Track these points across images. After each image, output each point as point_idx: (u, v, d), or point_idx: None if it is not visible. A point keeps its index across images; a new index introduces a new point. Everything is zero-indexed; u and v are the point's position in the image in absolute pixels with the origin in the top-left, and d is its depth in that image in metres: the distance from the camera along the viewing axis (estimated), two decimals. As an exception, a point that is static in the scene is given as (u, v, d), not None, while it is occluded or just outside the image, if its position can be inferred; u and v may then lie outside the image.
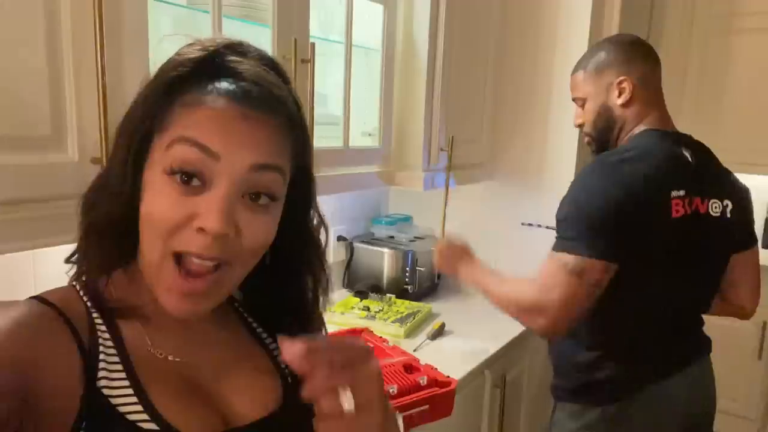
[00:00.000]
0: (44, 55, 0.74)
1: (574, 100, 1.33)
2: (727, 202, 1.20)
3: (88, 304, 0.54)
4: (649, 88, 1.23)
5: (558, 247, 1.12)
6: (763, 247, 2.85)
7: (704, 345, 1.29)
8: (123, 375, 0.51)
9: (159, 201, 0.50)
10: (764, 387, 2.64)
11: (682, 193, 1.11)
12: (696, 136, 3.08)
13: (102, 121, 0.77)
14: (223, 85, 0.51)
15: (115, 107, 0.80)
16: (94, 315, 0.53)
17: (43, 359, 0.47)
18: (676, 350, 1.20)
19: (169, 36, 0.63)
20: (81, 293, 0.55)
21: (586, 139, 1.33)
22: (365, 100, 1.59)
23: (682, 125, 3.11)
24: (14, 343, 0.46)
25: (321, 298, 0.66)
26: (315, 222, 0.64)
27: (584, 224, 1.09)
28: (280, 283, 0.64)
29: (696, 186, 1.15)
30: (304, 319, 0.66)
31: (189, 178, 0.49)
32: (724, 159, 3.06)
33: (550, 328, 1.11)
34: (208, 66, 0.53)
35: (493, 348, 1.54)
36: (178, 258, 0.50)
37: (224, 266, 0.52)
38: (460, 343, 1.58)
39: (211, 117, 0.50)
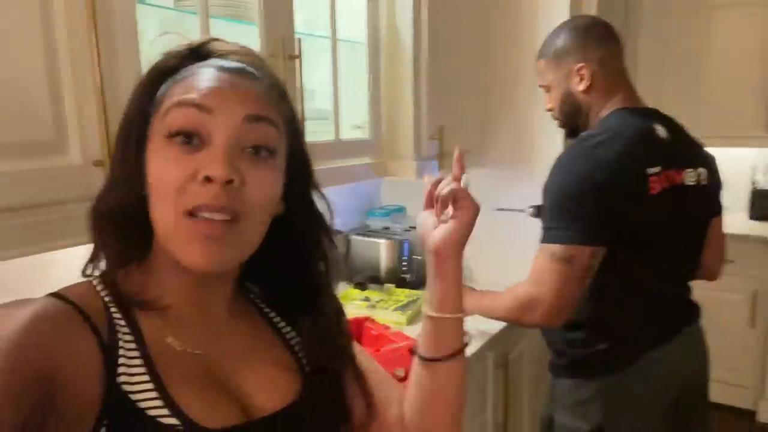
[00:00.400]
0: (42, 62, 0.75)
1: (540, 86, 1.37)
2: (701, 170, 1.24)
3: (106, 299, 0.54)
4: (609, 70, 1.25)
5: (544, 238, 1.15)
6: (750, 218, 2.94)
7: (693, 312, 1.31)
8: (143, 369, 0.52)
9: (164, 164, 0.52)
10: (758, 355, 2.70)
11: (657, 169, 1.14)
12: (678, 112, 3.12)
13: (103, 123, 0.79)
14: (211, 61, 0.56)
15: (115, 108, 0.82)
16: (113, 310, 0.54)
17: (63, 357, 0.47)
18: (666, 319, 1.22)
19: (160, 36, 0.64)
20: (98, 288, 0.55)
21: (557, 123, 1.37)
22: (353, 93, 1.60)
23: (665, 102, 3.14)
24: (34, 342, 0.46)
25: (334, 276, 0.67)
26: (318, 201, 0.65)
27: (566, 212, 1.12)
28: (292, 265, 0.65)
29: (670, 159, 1.18)
30: (320, 298, 0.67)
31: (189, 139, 0.52)
32: (707, 133, 3.11)
33: (546, 319, 1.15)
34: (196, 54, 0.58)
35: (494, 329, 1.57)
36: (191, 215, 0.51)
37: (235, 221, 0.52)
38: (460, 327, 1.60)
39: (203, 80, 0.53)
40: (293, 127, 0.60)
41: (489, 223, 1.87)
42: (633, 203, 1.12)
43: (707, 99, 2.87)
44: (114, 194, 0.55)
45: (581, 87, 1.25)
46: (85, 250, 0.59)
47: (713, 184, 1.27)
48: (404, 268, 1.89)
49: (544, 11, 1.83)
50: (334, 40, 1.44)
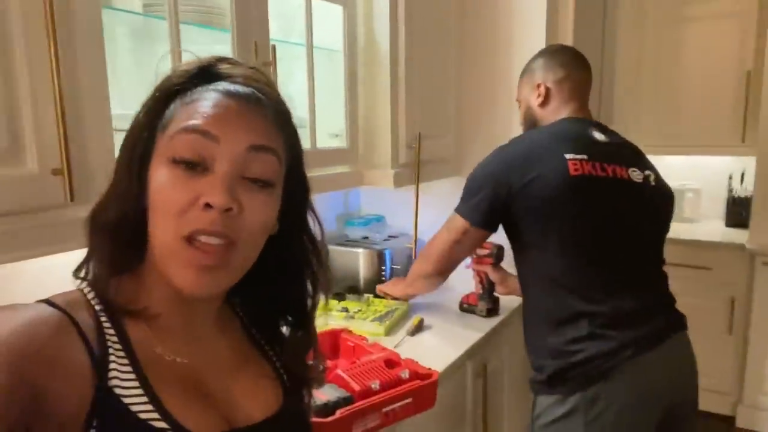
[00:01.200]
0: (-4, 67, 0.73)
1: (517, 100, 1.53)
2: (648, 172, 1.30)
3: (97, 307, 0.55)
4: (564, 89, 1.38)
5: (458, 206, 1.36)
6: (726, 226, 2.98)
7: (677, 322, 1.30)
8: (133, 375, 0.53)
9: (166, 187, 0.53)
10: (735, 361, 2.72)
11: (581, 156, 1.20)
12: (655, 122, 3.18)
13: (61, 132, 0.76)
14: (219, 85, 0.57)
15: (73, 117, 0.79)
16: (102, 318, 0.55)
17: (52, 364, 0.48)
18: (647, 328, 1.20)
19: (166, 54, 0.63)
20: (89, 296, 0.56)
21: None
22: (330, 101, 1.59)
23: (643, 113, 3.18)
24: (23, 349, 0.47)
25: (321, 297, 0.70)
26: (312, 223, 0.67)
27: (471, 196, 1.31)
28: (280, 284, 0.67)
29: (606, 155, 1.24)
30: (303, 319, 0.70)
31: (192, 165, 0.53)
32: (684, 142, 3.16)
33: (430, 274, 1.47)
34: (203, 74, 0.59)
35: (472, 339, 1.55)
36: (189, 240, 0.53)
37: (230, 246, 0.54)
38: (439, 337, 1.59)
39: (210, 106, 0.55)
40: (294, 150, 0.62)
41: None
42: (546, 182, 1.17)
43: (684, 109, 2.91)
44: (115, 207, 0.56)
45: (537, 102, 1.41)
46: (45, 262, 0.62)
47: (665, 187, 1.33)
48: (383, 278, 1.87)
49: (520, 21, 1.84)
50: (310, 48, 1.43)
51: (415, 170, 1.65)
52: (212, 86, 0.57)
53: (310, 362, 0.73)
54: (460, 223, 1.33)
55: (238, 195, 0.54)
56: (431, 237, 1.45)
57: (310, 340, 0.72)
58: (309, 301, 0.70)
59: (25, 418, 0.45)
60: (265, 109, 0.58)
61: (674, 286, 2.79)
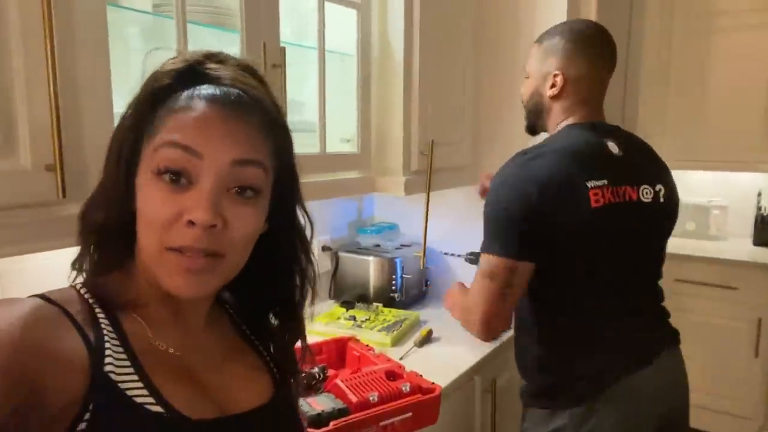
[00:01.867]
0: (-8, 60, 0.72)
1: (524, 68, 1.34)
2: (659, 186, 1.21)
3: (90, 300, 0.56)
4: (582, 86, 1.22)
5: (480, 248, 1.14)
6: (754, 245, 2.87)
7: (670, 337, 1.24)
8: (127, 362, 0.54)
9: (150, 200, 0.54)
10: (762, 385, 2.61)
11: (602, 182, 1.10)
12: (682, 137, 3.08)
13: (55, 128, 0.75)
14: (204, 89, 0.56)
15: (68, 114, 0.78)
16: (97, 310, 0.55)
17: (49, 356, 0.48)
18: (639, 345, 1.15)
19: (159, 50, 0.62)
20: (82, 292, 0.57)
21: (524, 114, 1.37)
22: (343, 106, 1.57)
23: (669, 127, 3.10)
24: (20, 342, 0.47)
25: (309, 292, 0.70)
26: (301, 220, 0.68)
27: (495, 224, 1.11)
28: (269, 280, 0.68)
29: (622, 174, 1.14)
30: (291, 314, 0.71)
31: (177, 177, 0.53)
32: (711, 158, 3.08)
33: (482, 332, 1.14)
34: (189, 74, 0.58)
35: (481, 353, 1.51)
36: (174, 250, 0.54)
37: (217, 257, 0.55)
38: (448, 350, 1.55)
39: (193, 119, 0.54)
40: (284, 150, 0.62)
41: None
42: (569, 215, 1.08)
43: (711, 123, 2.82)
44: (103, 209, 0.57)
45: (550, 93, 1.24)
46: (44, 261, 0.63)
47: (673, 201, 1.25)
48: (393, 287, 1.83)
49: (540, 26, 1.80)
50: (322, 51, 1.41)
51: (426, 178, 1.61)
52: (198, 90, 0.56)
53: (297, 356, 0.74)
54: (503, 263, 1.10)
55: (222, 210, 0.54)
56: (463, 302, 1.20)
57: (298, 334, 0.73)
58: (297, 295, 0.70)
59: (21, 409, 0.45)
60: (251, 115, 0.57)
61: (699, 305, 2.72)
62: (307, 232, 0.69)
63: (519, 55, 1.82)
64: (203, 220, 0.52)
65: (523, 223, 1.08)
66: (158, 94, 0.57)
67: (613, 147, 1.17)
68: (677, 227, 3.19)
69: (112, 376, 0.52)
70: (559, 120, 1.25)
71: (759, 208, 2.90)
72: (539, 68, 1.27)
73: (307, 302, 0.71)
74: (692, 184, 3.17)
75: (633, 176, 1.16)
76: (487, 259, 1.11)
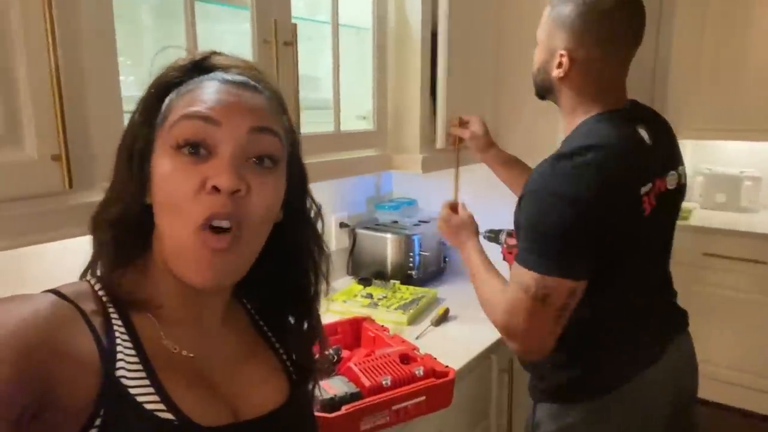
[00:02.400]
0: (-6, 50, 0.71)
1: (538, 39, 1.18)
2: (681, 168, 1.14)
3: (104, 298, 0.56)
4: (593, 71, 1.06)
5: (521, 259, 1.00)
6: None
7: (680, 322, 1.19)
8: (139, 366, 0.53)
9: (172, 174, 0.53)
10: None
11: (648, 187, 1.01)
12: (713, 107, 2.93)
13: (59, 118, 0.74)
14: (215, 75, 0.57)
15: (74, 102, 0.77)
16: (110, 310, 0.55)
17: (62, 354, 0.48)
18: (653, 338, 1.11)
19: (169, 48, 0.61)
20: (96, 288, 0.56)
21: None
22: (359, 82, 1.53)
23: (699, 97, 2.97)
24: (34, 338, 0.47)
25: (323, 285, 0.70)
26: (311, 209, 0.68)
27: (546, 239, 0.97)
28: (284, 275, 0.68)
29: (656, 168, 1.05)
30: (307, 309, 0.71)
31: (196, 149, 0.53)
32: (742, 127, 2.95)
33: (524, 353, 1.06)
34: (198, 67, 0.59)
35: (498, 334, 1.49)
36: (202, 229, 0.53)
37: (239, 230, 0.54)
38: (465, 329, 1.54)
39: (208, 93, 0.55)
40: (292, 137, 0.63)
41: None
42: (627, 228, 1.00)
43: (744, 91, 2.70)
44: (117, 206, 0.57)
45: (556, 73, 1.09)
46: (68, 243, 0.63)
47: (685, 182, 1.18)
48: (411, 264, 1.82)
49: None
50: (336, 26, 1.37)
51: (455, 156, 1.57)
52: (207, 77, 0.57)
53: (316, 355, 0.74)
54: (556, 283, 0.97)
55: (244, 176, 0.54)
56: (505, 304, 1.04)
57: (314, 331, 0.72)
58: (312, 290, 0.70)
59: (33, 407, 0.45)
60: (261, 93, 0.58)
61: (728, 280, 2.66)
62: (318, 224, 0.69)
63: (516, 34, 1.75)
64: (228, 185, 0.52)
65: (580, 239, 0.96)
66: (168, 88, 0.58)
67: (644, 135, 1.06)
68: (707, 199, 3.10)
69: (124, 380, 0.52)
70: (577, 107, 1.10)
71: (793, 180, 2.79)
72: (547, 40, 1.11)
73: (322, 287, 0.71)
74: (724, 155, 3.06)
75: (663, 166, 1.08)
76: (534, 278, 0.96)
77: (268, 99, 0.59)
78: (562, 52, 1.06)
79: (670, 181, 1.09)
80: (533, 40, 1.17)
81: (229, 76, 0.57)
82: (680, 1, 2.78)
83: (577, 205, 0.94)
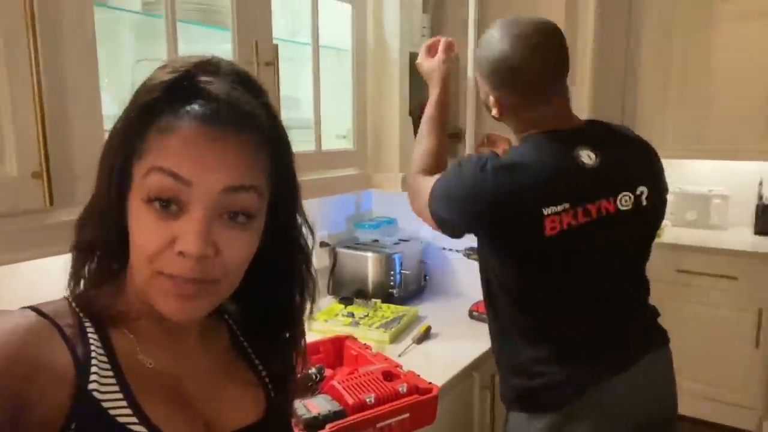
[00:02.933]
0: (-25, 67, 0.71)
1: None
2: (641, 189, 1.11)
3: (81, 315, 0.55)
4: (525, 108, 1.13)
5: (434, 189, 1.15)
6: (755, 234, 2.86)
7: (657, 339, 1.20)
8: (113, 381, 0.53)
9: (141, 228, 0.52)
10: (763, 375, 2.61)
11: (561, 207, 1.03)
12: (682, 127, 2.98)
13: (41, 135, 0.73)
14: (194, 108, 0.53)
15: (55, 119, 0.77)
16: (87, 325, 0.55)
17: (34, 369, 0.48)
18: (616, 352, 1.12)
19: (145, 61, 0.60)
20: (73, 305, 0.56)
21: None
22: (339, 102, 1.55)
23: (669, 116, 3.05)
24: (8, 355, 0.47)
25: (309, 304, 0.69)
26: (301, 227, 0.66)
27: (445, 203, 1.12)
28: (267, 290, 0.66)
29: (594, 189, 1.07)
30: (291, 325, 0.70)
31: (167, 204, 0.51)
32: (711, 147, 3.04)
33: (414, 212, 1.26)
34: (179, 89, 0.54)
35: (480, 349, 1.50)
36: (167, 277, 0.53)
37: (212, 283, 0.54)
38: (447, 346, 1.54)
39: (182, 144, 0.52)
40: (283, 163, 0.60)
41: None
42: (522, 241, 1.06)
43: (713, 112, 2.80)
44: (95, 227, 0.56)
45: (494, 113, 1.17)
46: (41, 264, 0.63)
47: (659, 201, 1.17)
48: (392, 283, 1.83)
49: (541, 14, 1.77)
50: (316, 47, 1.39)
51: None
52: (187, 108, 0.53)
53: (298, 368, 0.73)
54: (429, 216, 1.18)
55: (214, 237, 0.52)
56: (417, 180, 1.27)
57: (296, 344, 0.71)
58: (296, 305, 0.69)
59: (7, 423, 0.45)
60: (244, 134, 0.54)
61: (700, 295, 2.71)
62: (309, 241, 0.67)
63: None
64: (194, 251, 0.50)
65: (462, 230, 1.14)
66: (148, 109, 0.54)
67: (587, 157, 1.08)
68: (678, 217, 3.18)
69: (96, 394, 0.51)
70: (521, 128, 1.16)
71: (760, 197, 2.89)
72: (479, 82, 1.19)
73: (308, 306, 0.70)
74: (693, 173, 3.15)
75: (609, 187, 1.08)
76: (428, 209, 1.16)
77: (252, 137, 0.55)
78: (491, 97, 1.15)
79: (623, 202, 1.09)
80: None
81: (210, 111, 0.53)
82: (646, 31, 2.88)
83: (475, 203, 1.07)
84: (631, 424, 1.11)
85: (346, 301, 1.79)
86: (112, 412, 0.51)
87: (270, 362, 0.70)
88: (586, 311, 1.11)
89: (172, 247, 0.51)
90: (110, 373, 0.53)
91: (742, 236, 2.86)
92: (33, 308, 0.53)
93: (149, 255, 0.52)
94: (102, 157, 0.57)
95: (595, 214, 1.06)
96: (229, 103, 0.54)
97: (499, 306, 1.18)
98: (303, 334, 0.72)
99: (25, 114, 0.73)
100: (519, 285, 1.12)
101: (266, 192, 0.57)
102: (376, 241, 1.94)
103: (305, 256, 0.67)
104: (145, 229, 0.52)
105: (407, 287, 1.87)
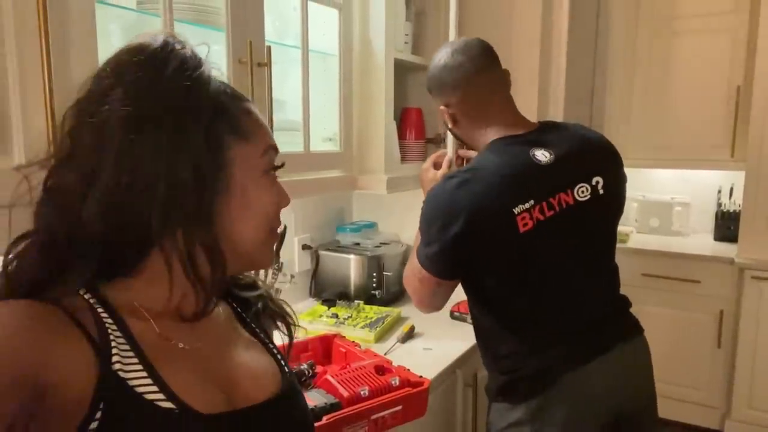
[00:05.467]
0: (-15, 56, 0.71)
1: None
2: (596, 179, 1.18)
3: (92, 301, 0.55)
4: (471, 106, 1.23)
5: (417, 249, 1.19)
6: (715, 240, 3.00)
7: (629, 328, 1.26)
8: (135, 360, 0.54)
9: (266, 195, 0.63)
10: (725, 375, 2.72)
11: (529, 204, 1.10)
12: (645, 137, 3.10)
13: (49, 125, 0.74)
14: (238, 97, 0.64)
15: (63, 111, 0.77)
16: (99, 309, 0.55)
17: (50, 354, 0.48)
18: (591, 337, 1.17)
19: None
20: (82, 292, 0.56)
21: None
22: (325, 105, 1.58)
23: (633, 125, 3.16)
24: (17, 343, 0.47)
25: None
26: None
27: (427, 242, 1.15)
28: None
29: (552, 184, 1.14)
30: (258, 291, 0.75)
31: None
32: (673, 156, 3.17)
33: (417, 306, 1.29)
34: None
35: (463, 348, 1.54)
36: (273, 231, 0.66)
37: None
38: (430, 345, 1.57)
39: (259, 123, 0.63)
40: None
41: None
42: (498, 243, 1.10)
43: (674, 122, 2.93)
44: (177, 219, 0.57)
45: (449, 125, 1.28)
46: None
47: (615, 189, 1.22)
48: (374, 285, 1.85)
49: (516, 33, 1.85)
50: (305, 51, 1.42)
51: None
52: (249, 105, 0.64)
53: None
54: (427, 276, 1.17)
55: None
56: (405, 270, 1.29)
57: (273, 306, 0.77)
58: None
59: (26, 412, 0.45)
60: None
61: (663, 298, 2.81)
62: None
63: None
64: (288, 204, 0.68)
65: (452, 252, 1.11)
66: (220, 106, 0.60)
67: (541, 155, 1.15)
68: (642, 224, 3.29)
69: (121, 373, 0.52)
70: (478, 138, 1.24)
71: (719, 205, 3.02)
72: (438, 110, 1.29)
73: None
74: (656, 182, 3.28)
75: (565, 180, 1.15)
76: (417, 266, 1.18)
77: None
78: (442, 108, 1.26)
79: (579, 193, 1.15)
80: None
81: (237, 92, 0.63)
82: (612, 45, 3.00)
83: (448, 220, 1.10)
84: (605, 408, 1.15)
85: (329, 303, 1.80)
86: (139, 389, 0.52)
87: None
88: (560, 302, 1.16)
89: (280, 205, 0.65)
90: (131, 353, 0.54)
91: (702, 242, 2.99)
92: (39, 298, 0.53)
93: (273, 216, 0.64)
94: (171, 158, 0.55)
95: (557, 207, 1.13)
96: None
97: (480, 308, 1.23)
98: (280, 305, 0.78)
99: (33, 107, 0.74)
100: (497, 288, 1.17)
101: None
102: (357, 244, 1.96)
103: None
104: (271, 194, 0.63)
105: (389, 289, 1.90)
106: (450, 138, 1.77)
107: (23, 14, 0.73)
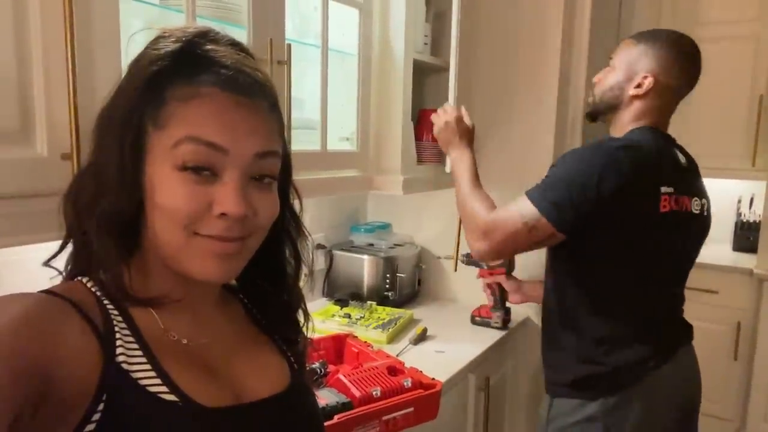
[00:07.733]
0: (12, 49, 0.71)
1: (609, 57, 1.36)
2: (704, 200, 1.28)
3: (98, 293, 0.55)
4: (666, 95, 1.27)
5: (531, 192, 1.17)
6: (733, 250, 2.94)
7: (689, 331, 1.33)
8: (140, 352, 0.54)
9: (175, 194, 0.53)
10: (741, 387, 2.67)
11: (671, 189, 1.16)
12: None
13: (72, 117, 0.74)
14: (211, 75, 0.54)
15: (86, 103, 0.78)
16: (105, 302, 0.55)
17: (57, 346, 0.48)
18: (667, 338, 1.23)
19: (139, 32, 0.61)
20: (88, 285, 0.56)
21: (589, 99, 1.38)
22: (343, 105, 1.58)
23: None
24: (27, 334, 0.46)
25: (304, 266, 0.71)
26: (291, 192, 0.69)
27: (560, 188, 1.12)
28: (270, 255, 0.67)
29: (684, 184, 1.21)
30: (287, 287, 0.70)
31: (199, 172, 0.53)
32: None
33: (484, 253, 1.22)
34: (186, 56, 0.55)
35: (476, 351, 1.53)
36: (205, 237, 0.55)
37: (245, 240, 0.57)
38: (443, 347, 1.57)
39: (211, 111, 0.53)
40: (282, 125, 0.62)
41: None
42: (638, 214, 1.14)
43: (694, 131, 2.87)
44: (110, 200, 0.55)
45: (633, 92, 1.26)
46: (45, 249, 0.59)
47: (710, 217, 1.32)
48: (387, 286, 1.85)
49: (538, 36, 1.83)
50: (325, 50, 1.42)
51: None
52: (204, 77, 0.54)
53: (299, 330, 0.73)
54: (544, 223, 1.13)
55: (250, 199, 0.55)
56: (497, 212, 1.22)
57: (294, 302, 0.72)
58: (289, 267, 0.70)
59: (32, 403, 0.45)
60: (262, 101, 0.57)
61: (687, 308, 2.76)
62: (297, 207, 0.69)
63: (516, 60, 1.85)
64: (237, 212, 0.53)
65: (593, 205, 1.10)
66: (157, 78, 0.54)
67: (680, 157, 1.26)
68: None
69: (125, 365, 0.52)
70: (633, 119, 1.27)
71: (739, 215, 2.98)
72: (629, 65, 1.28)
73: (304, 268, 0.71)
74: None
75: (691, 188, 1.24)
76: (533, 210, 1.13)
77: (267, 101, 0.58)
78: (646, 74, 1.24)
79: (695, 205, 1.23)
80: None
81: (227, 78, 0.54)
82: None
83: (601, 173, 1.09)
84: (675, 407, 1.21)
85: (342, 303, 1.80)
86: (142, 382, 0.52)
87: (282, 330, 0.71)
88: (656, 298, 1.22)
89: (210, 210, 0.54)
90: (135, 346, 0.54)
91: (721, 252, 2.94)
92: (47, 291, 0.53)
93: (185, 219, 0.53)
94: (104, 123, 0.56)
95: (683, 207, 1.20)
96: (242, 71, 0.56)
97: (568, 298, 1.24)
98: (302, 297, 0.73)
99: (57, 98, 0.74)
100: (612, 261, 1.17)
101: (281, 156, 0.61)
102: (371, 245, 1.96)
103: (295, 217, 0.70)
104: (179, 195, 0.53)
105: (402, 291, 1.89)
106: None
107: (49, 10, 0.73)
